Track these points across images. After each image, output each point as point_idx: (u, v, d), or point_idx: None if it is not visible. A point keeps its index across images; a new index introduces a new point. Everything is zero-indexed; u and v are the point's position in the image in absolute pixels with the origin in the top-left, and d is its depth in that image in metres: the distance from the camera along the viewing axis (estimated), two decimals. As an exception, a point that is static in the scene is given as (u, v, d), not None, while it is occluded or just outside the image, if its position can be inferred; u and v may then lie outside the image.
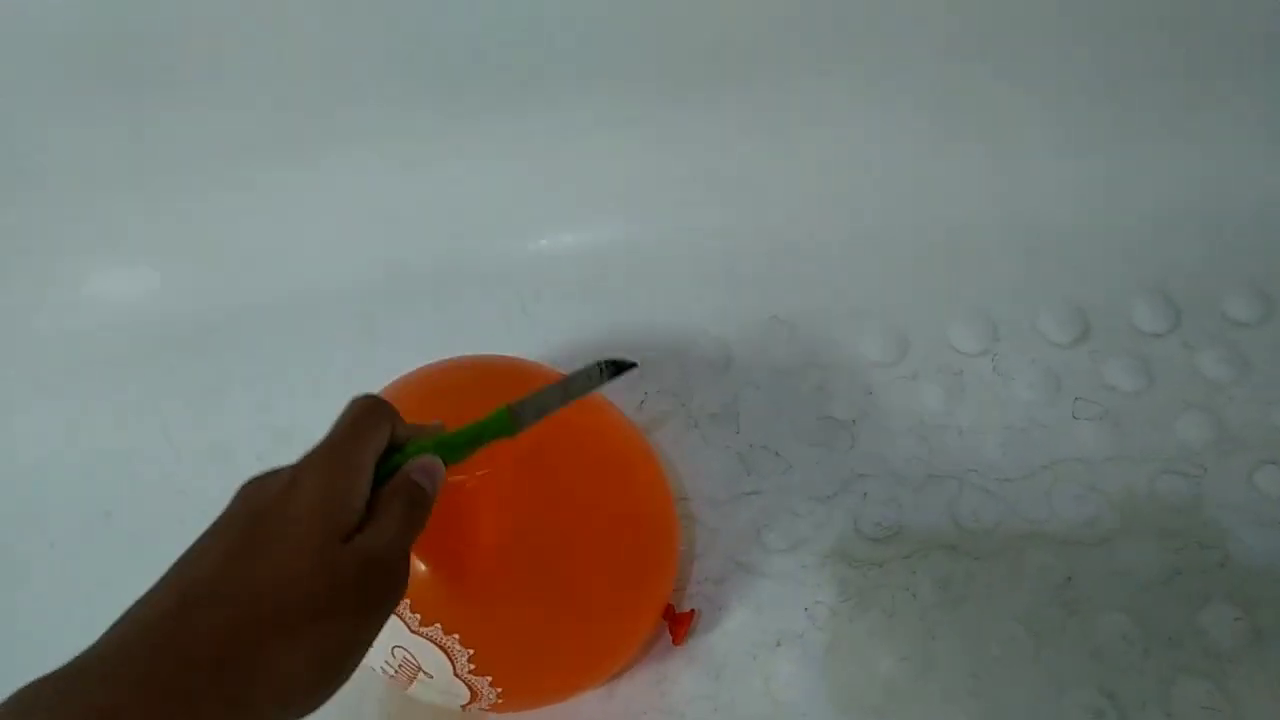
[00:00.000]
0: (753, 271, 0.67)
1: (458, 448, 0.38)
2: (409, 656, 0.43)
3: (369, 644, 0.31)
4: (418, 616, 0.42)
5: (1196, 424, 0.59)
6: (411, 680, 0.44)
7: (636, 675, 0.55)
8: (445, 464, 0.37)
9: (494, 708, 0.46)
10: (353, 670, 0.31)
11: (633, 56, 0.63)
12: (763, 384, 0.63)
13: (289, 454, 0.66)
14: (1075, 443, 0.59)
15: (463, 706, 0.45)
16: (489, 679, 0.43)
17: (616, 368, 0.43)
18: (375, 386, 0.50)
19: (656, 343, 0.59)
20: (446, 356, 0.52)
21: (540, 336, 0.65)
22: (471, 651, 0.42)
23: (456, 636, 0.42)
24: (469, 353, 0.53)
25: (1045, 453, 0.59)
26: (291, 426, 0.65)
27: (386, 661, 0.44)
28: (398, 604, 0.33)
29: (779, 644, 0.53)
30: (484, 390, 0.48)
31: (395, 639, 0.42)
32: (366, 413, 0.35)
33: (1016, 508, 0.57)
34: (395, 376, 0.51)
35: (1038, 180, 0.67)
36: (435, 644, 0.42)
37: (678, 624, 0.52)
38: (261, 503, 0.32)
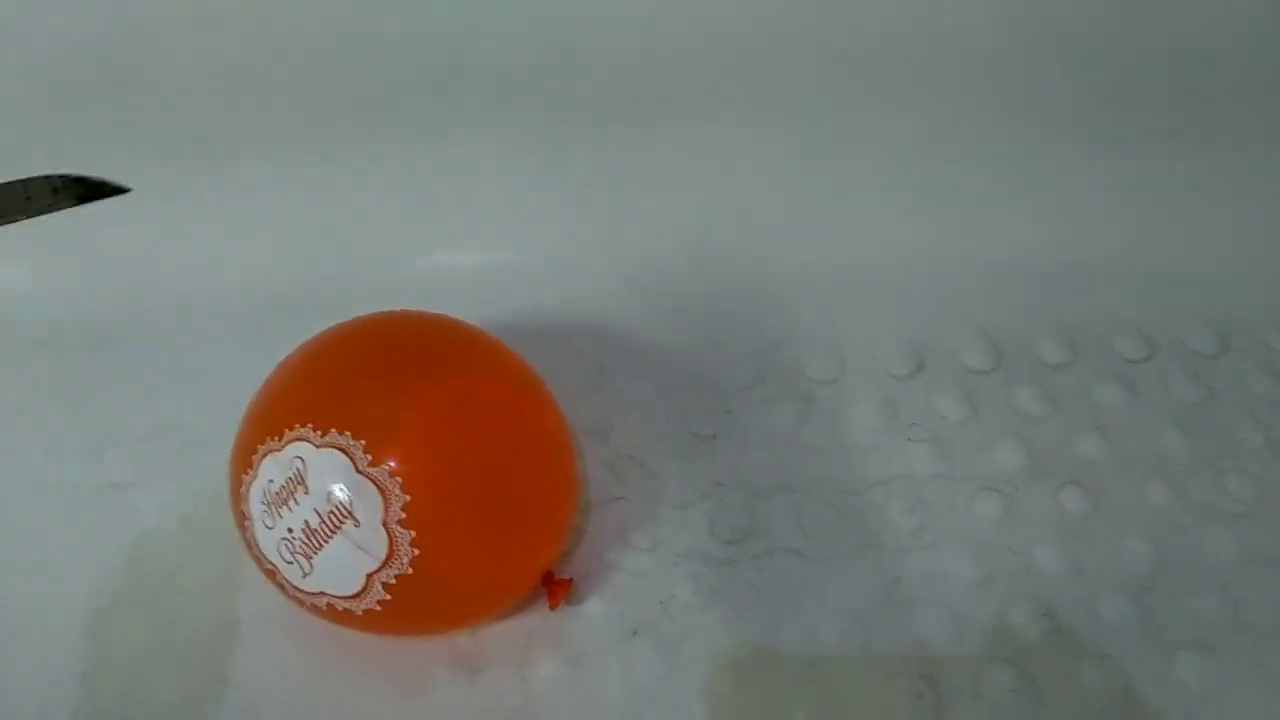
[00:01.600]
0: (626, 300, 0.74)
1: None
2: (342, 503, 0.52)
3: None
4: (369, 457, 0.52)
5: (1012, 450, 0.68)
6: (333, 533, 0.53)
7: (498, 663, 0.63)
8: None
9: (394, 589, 0.53)
10: None
11: (527, 94, 0.70)
12: (632, 402, 0.69)
13: (174, 443, 0.70)
14: (908, 462, 0.67)
15: (369, 576, 0.53)
16: (412, 534, 0.52)
17: (88, 191, 0.36)
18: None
19: (536, 361, 0.64)
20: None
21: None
22: (408, 499, 0.52)
23: (400, 481, 0.52)
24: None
25: (882, 470, 0.67)
26: (176, 420, 0.67)
27: (316, 509, 0.53)
28: None
29: (635, 633, 0.59)
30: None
31: (337, 479, 0.52)
32: None
33: (855, 517, 0.66)
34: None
35: (881, 235, 0.77)
36: (377, 484, 0.52)
37: (557, 588, 0.62)
38: None
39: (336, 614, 0.57)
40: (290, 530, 0.55)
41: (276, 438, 0.55)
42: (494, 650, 0.63)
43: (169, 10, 0.71)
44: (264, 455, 0.56)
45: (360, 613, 0.56)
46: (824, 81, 0.81)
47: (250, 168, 0.80)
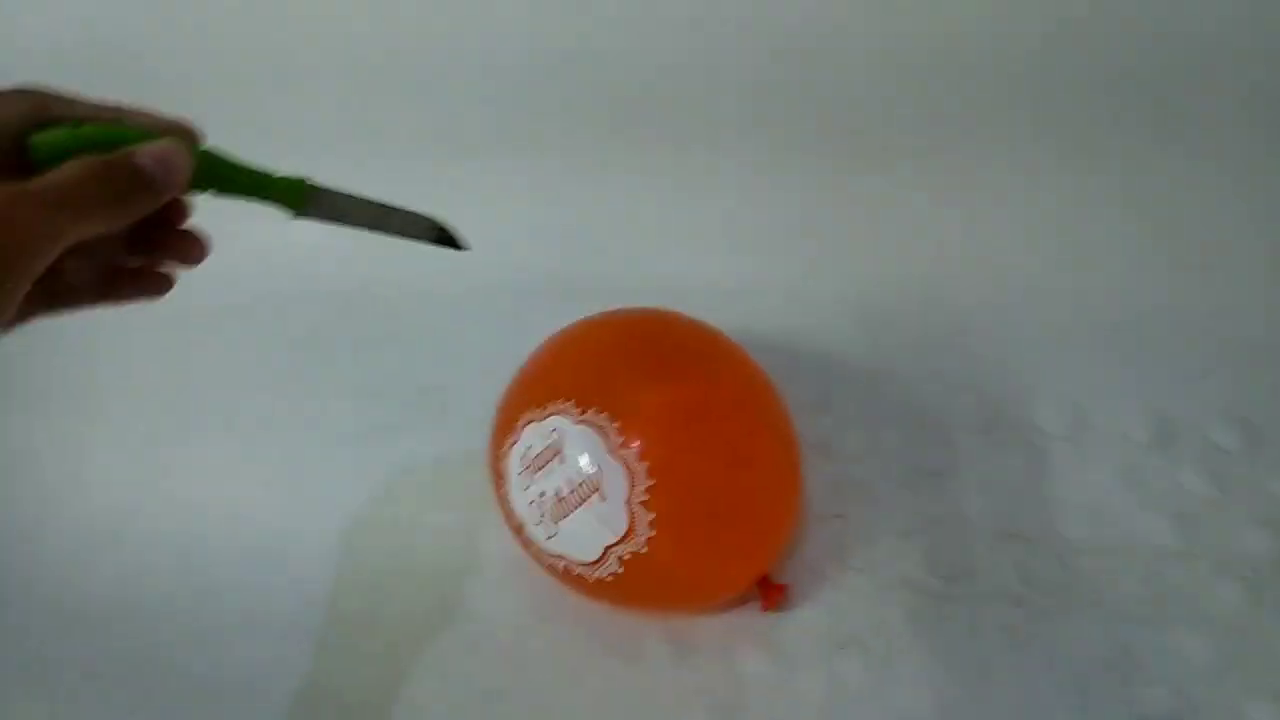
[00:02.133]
0: (857, 328, 0.77)
1: (231, 180, 0.38)
2: (591, 476, 0.56)
3: None
4: (620, 439, 0.56)
5: (1261, 538, 0.63)
6: (580, 504, 0.57)
7: (707, 650, 0.65)
8: (207, 188, 0.38)
9: (628, 564, 0.57)
10: None
11: (779, 122, 0.73)
12: (858, 425, 0.69)
13: (434, 403, 0.75)
14: (1145, 531, 0.64)
15: (607, 548, 0.57)
16: (653, 516, 0.56)
17: (443, 237, 0.42)
18: (519, 358, 0.65)
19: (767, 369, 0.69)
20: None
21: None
22: (653, 483, 0.55)
23: (647, 465, 0.55)
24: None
25: (1115, 534, 0.64)
26: (436, 384, 0.74)
27: (568, 479, 0.57)
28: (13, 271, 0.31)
29: (844, 646, 0.60)
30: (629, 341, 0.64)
31: (589, 454, 0.56)
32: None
33: (1082, 577, 0.64)
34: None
35: (1130, 295, 0.76)
36: (625, 465, 0.56)
37: (773, 591, 0.64)
38: None
39: (570, 577, 0.61)
40: (542, 494, 0.59)
41: (539, 409, 0.60)
42: (705, 637, 0.65)
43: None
44: (526, 423, 0.60)
45: (592, 580, 0.59)
46: (1080, 130, 0.80)
47: (520, 168, 0.87)
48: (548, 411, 0.59)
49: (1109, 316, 0.81)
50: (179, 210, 0.40)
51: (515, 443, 0.61)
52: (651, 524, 0.57)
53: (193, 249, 0.41)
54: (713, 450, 0.60)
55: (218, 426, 0.81)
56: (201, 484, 0.77)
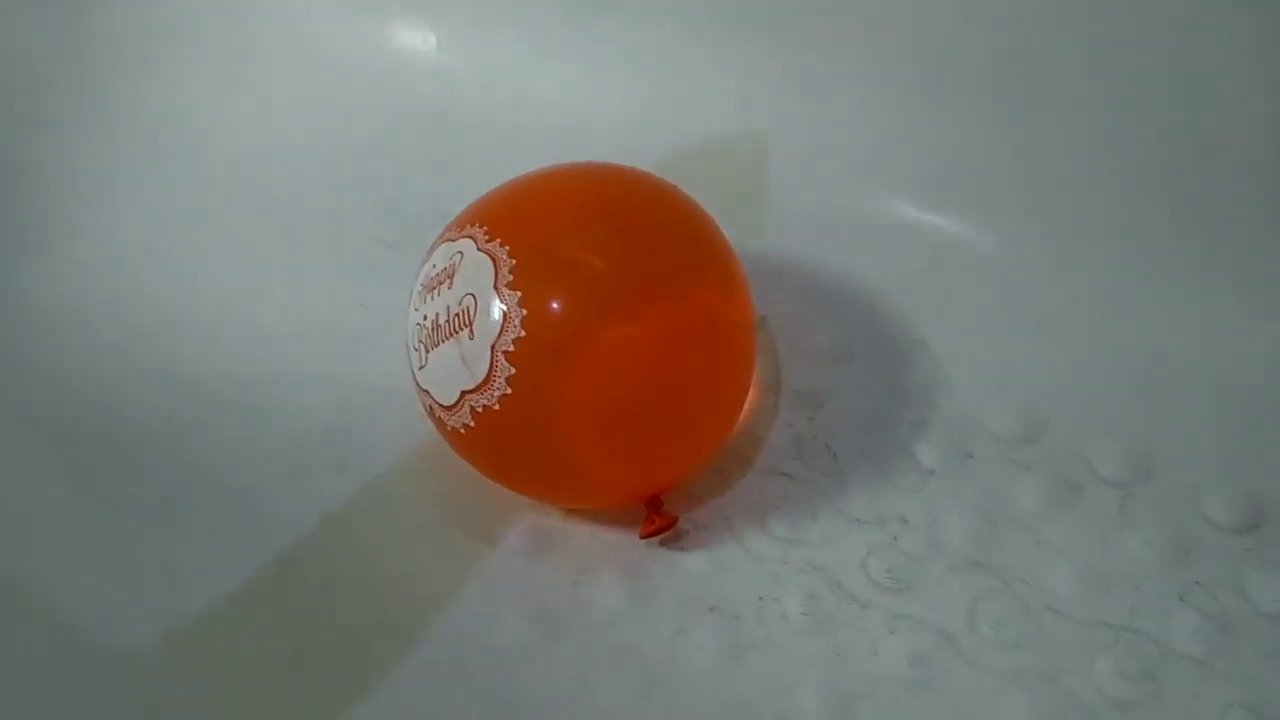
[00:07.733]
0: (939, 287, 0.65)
1: None
2: (471, 308, 0.49)
3: None
4: (511, 278, 0.49)
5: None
6: (452, 334, 0.50)
7: (562, 554, 0.57)
8: None
9: (480, 419, 0.50)
10: None
11: None
12: (866, 392, 0.57)
13: None
14: (1164, 625, 0.48)
15: (463, 393, 0.50)
16: (512, 371, 0.48)
17: None
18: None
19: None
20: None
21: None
22: (523, 334, 0.48)
23: (524, 313, 0.48)
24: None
25: (1122, 615, 0.48)
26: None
27: (449, 306, 0.51)
28: None
29: (711, 610, 0.48)
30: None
31: (478, 287, 0.49)
32: None
33: (1051, 646, 0.49)
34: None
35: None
36: (504, 307, 0.48)
37: (655, 518, 0.55)
38: None
39: (435, 419, 0.54)
40: (425, 318, 0.53)
41: (459, 229, 0.54)
42: (566, 540, 0.58)
43: None
44: (442, 242, 0.54)
45: (449, 428, 0.53)
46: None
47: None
48: (463, 233, 0.53)
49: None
50: None
51: (425, 263, 0.55)
52: (509, 380, 0.49)
53: None
54: (624, 328, 0.50)
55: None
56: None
